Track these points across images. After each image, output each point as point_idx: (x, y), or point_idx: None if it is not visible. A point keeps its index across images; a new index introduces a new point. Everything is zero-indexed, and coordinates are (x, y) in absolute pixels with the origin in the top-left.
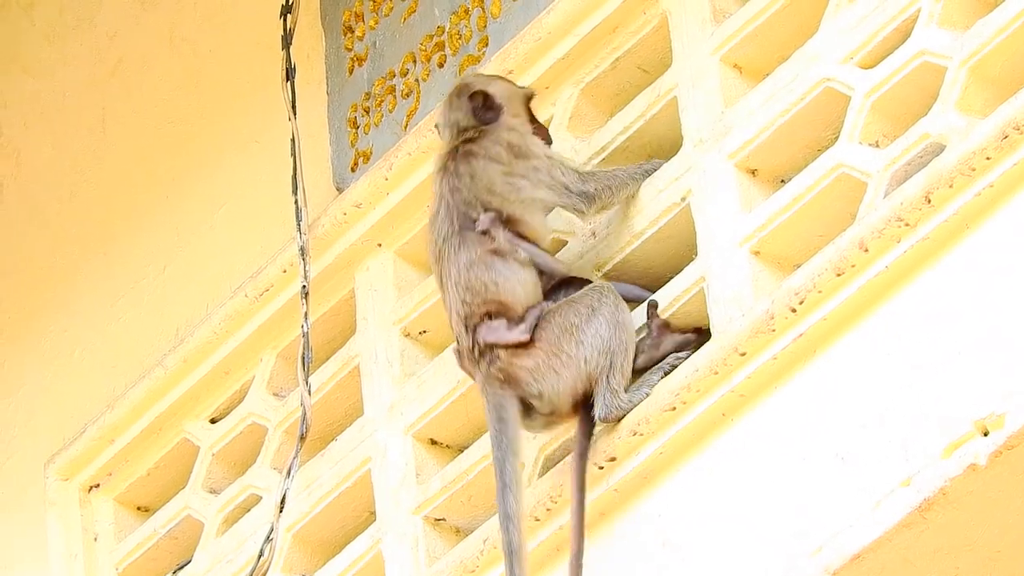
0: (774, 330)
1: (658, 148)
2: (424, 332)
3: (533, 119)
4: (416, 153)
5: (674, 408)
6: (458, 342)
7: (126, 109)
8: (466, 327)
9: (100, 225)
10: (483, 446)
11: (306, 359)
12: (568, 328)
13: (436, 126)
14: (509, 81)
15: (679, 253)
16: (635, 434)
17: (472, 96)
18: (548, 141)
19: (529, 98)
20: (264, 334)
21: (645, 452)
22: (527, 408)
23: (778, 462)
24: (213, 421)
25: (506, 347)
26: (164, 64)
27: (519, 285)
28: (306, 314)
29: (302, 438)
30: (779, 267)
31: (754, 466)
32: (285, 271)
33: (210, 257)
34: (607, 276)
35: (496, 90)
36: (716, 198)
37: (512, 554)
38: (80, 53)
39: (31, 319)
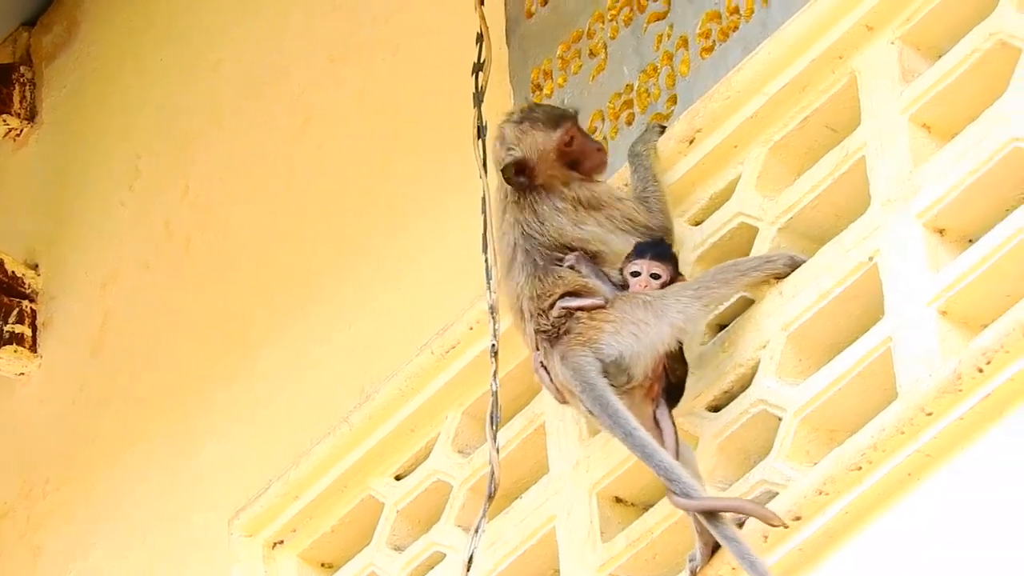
0: (961, 390)
1: (846, 207)
2: None
3: (573, 144)
4: None
5: (860, 467)
6: (537, 345)
7: (315, 165)
8: (544, 310)
9: (288, 281)
10: (669, 505)
11: (495, 418)
12: (646, 301)
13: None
14: (545, 116)
15: (866, 312)
16: (821, 493)
17: (504, 169)
18: (600, 155)
19: (568, 132)
20: (450, 391)
21: (831, 512)
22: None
23: (965, 522)
24: (398, 478)
25: (586, 309)
26: (353, 121)
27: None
28: (495, 373)
29: (490, 497)
30: (967, 327)
31: (940, 527)
32: (472, 328)
33: (397, 314)
34: (792, 336)
35: (528, 150)
36: (904, 257)
37: (649, 455)
38: (270, 109)
39: (217, 376)
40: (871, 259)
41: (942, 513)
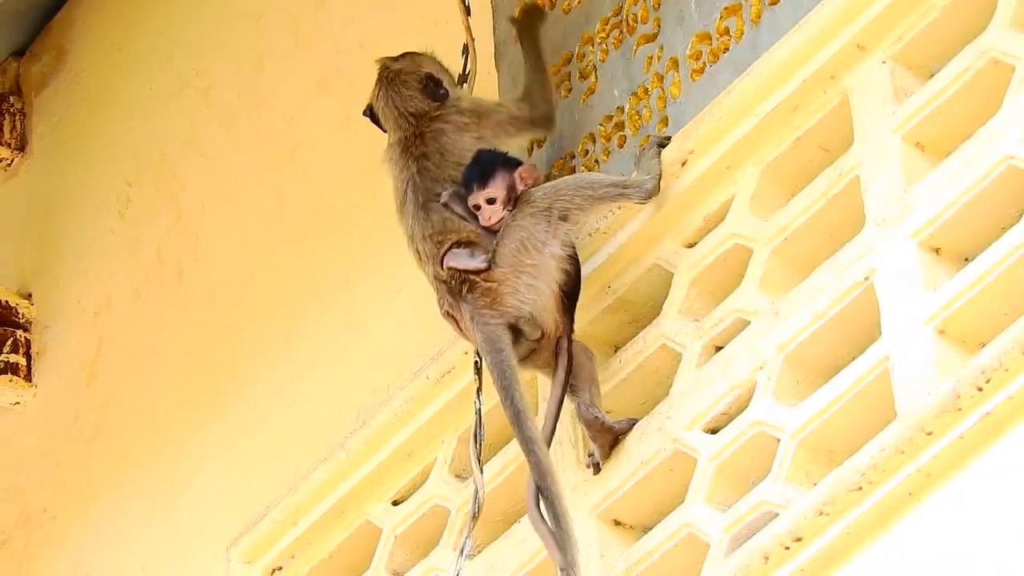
0: (960, 409)
1: (840, 227)
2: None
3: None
4: (597, 235)
5: (860, 488)
6: (437, 291)
7: (303, 192)
8: (439, 257)
9: (280, 308)
10: (668, 527)
11: (479, 436)
12: (520, 242)
13: (370, 114)
14: (421, 54)
15: (863, 333)
16: (821, 514)
17: (423, 81)
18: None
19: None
20: (446, 416)
21: (831, 532)
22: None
23: (966, 542)
24: (395, 503)
25: (473, 272)
26: (342, 146)
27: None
28: (479, 390)
29: (475, 516)
30: (964, 346)
31: (941, 546)
32: (467, 353)
33: (391, 339)
34: (789, 357)
35: (433, 68)
36: (900, 277)
37: (543, 474)
38: (258, 135)
39: (212, 402)
40: (867, 279)
41: (943, 532)
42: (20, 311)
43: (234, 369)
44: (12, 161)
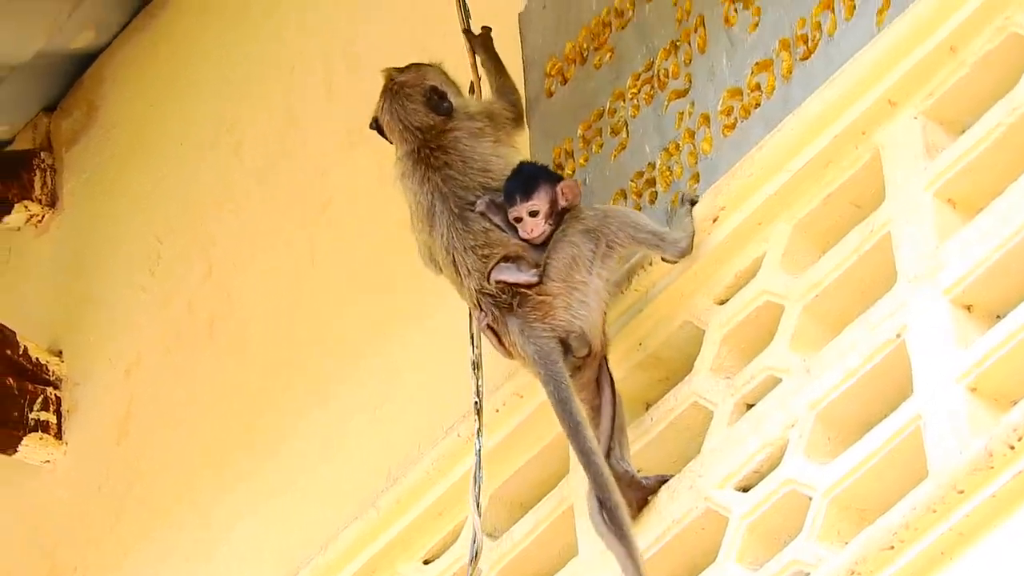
0: (992, 467)
1: (872, 284)
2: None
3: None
4: (628, 292)
5: (892, 547)
6: (479, 305)
7: (335, 247)
8: (483, 272)
9: (311, 365)
10: None
11: (478, 478)
12: (572, 258)
13: (376, 126)
14: (427, 65)
15: (895, 390)
16: (853, 573)
17: (427, 95)
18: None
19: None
20: None
21: None
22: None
23: None
24: (426, 563)
25: (523, 287)
26: (373, 202)
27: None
28: (479, 431)
29: (472, 560)
30: (996, 404)
31: None
32: (498, 411)
33: (422, 397)
34: (821, 415)
35: (438, 81)
36: (932, 334)
37: (603, 486)
38: (290, 191)
39: (244, 461)
40: (898, 336)
41: None
42: (51, 368)
43: (265, 427)
44: (43, 217)
